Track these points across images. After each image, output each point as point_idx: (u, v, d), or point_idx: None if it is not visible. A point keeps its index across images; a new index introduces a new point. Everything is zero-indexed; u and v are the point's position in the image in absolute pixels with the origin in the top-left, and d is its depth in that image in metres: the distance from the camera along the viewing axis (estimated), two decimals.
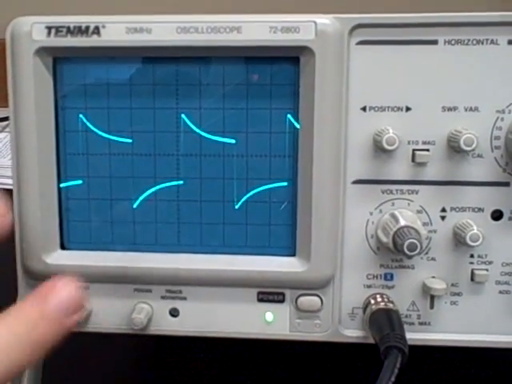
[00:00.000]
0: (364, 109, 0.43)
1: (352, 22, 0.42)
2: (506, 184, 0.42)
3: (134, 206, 0.46)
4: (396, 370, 0.37)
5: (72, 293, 0.33)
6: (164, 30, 0.42)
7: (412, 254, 0.40)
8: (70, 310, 0.33)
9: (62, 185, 0.46)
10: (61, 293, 0.33)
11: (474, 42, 0.41)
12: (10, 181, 1.03)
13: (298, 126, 0.43)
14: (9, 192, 0.96)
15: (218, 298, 0.45)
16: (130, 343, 0.56)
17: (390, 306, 0.43)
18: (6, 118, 1.31)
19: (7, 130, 1.27)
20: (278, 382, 0.52)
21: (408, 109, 0.42)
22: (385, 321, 0.41)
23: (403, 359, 0.38)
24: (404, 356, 0.38)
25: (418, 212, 0.43)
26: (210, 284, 0.45)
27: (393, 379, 0.36)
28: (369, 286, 0.44)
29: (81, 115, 0.45)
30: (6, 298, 0.50)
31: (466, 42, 0.41)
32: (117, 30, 0.42)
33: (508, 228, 0.43)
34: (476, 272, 0.43)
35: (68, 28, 0.43)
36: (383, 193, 0.43)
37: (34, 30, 0.43)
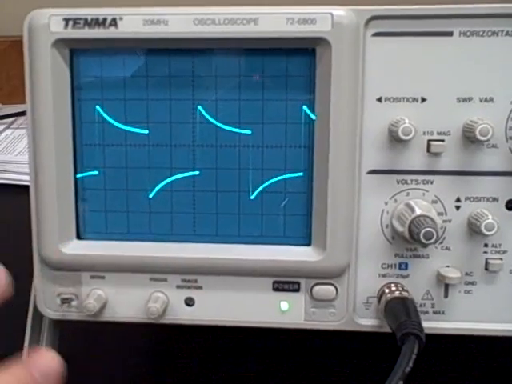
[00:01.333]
0: (380, 99, 0.43)
1: (368, 14, 0.42)
2: None
3: (150, 196, 0.46)
4: (414, 356, 0.37)
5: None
6: (181, 21, 0.43)
7: (428, 242, 0.40)
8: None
9: (78, 175, 0.46)
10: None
11: (489, 33, 0.42)
12: (17, 176, 1.04)
13: (313, 116, 0.44)
14: (15, 187, 0.96)
15: (234, 287, 0.46)
16: (144, 332, 0.57)
17: (405, 294, 0.43)
18: (11, 115, 1.31)
19: (13, 126, 1.28)
20: (294, 370, 0.53)
21: (423, 100, 0.43)
22: (401, 309, 0.42)
23: (420, 346, 0.38)
24: (421, 342, 0.38)
25: (433, 202, 0.44)
26: (226, 273, 0.45)
27: (410, 365, 0.37)
28: (383, 275, 0.45)
29: (97, 106, 0.46)
30: (21, 288, 0.51)
31: (480, 33, 0.42)
32: (134, 22, 0.43)
33: None
34: (490, 261, 0.44)
35: (85, 20, 0.43)
36: (398, 183, 0.44)
37: (51, 22, 0.43)
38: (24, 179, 0.97)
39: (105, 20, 0.43)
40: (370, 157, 0.44)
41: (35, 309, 0.48)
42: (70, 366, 0.53)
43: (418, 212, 0.41)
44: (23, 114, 1.30)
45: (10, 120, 1.31)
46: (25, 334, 0.49)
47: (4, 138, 1.21)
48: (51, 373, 0.34)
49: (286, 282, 0.45)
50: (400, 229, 0.42)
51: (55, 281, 0.47)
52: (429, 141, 0.43)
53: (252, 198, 0.45)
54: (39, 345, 0.50)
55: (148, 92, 0.45)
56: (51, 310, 0.47)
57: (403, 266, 0.45)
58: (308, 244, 0.45)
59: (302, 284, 0.45)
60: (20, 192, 0.92)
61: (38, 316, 0.49)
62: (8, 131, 1.25)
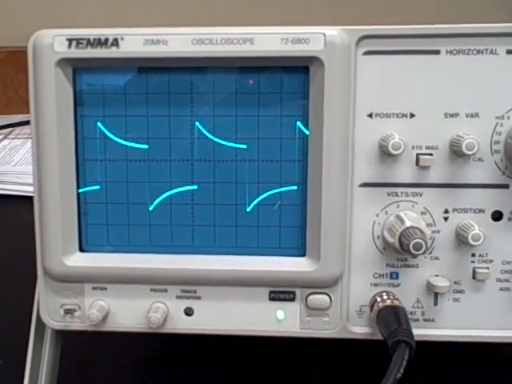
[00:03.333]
0: (370, 115, 0.45)
1: (359, 34, 0.44)
2: (506, 186, 0.45)
3: (150, 209, 0.48)
4: (404, 363, 0.39)
5: None
6: (180, 41, 0.44)
7: (418, 253, 0.42)
8: None
9: (80, 189, 0.48)
10: None
11: (475, 51, 0.44)
12: (16, 187, 1.05)
13: (307, 132, 0.46)
14: (14, 198, 0.97)
15: (231, 297, 0.47)
16: (144, 342, 0.58)
17: (396, 303, 0.45)
18: (8, 126, 1.33)
19: (10, 136, 1.29)
20: (287, 376, 0.54)
21: (412, 115, 0.44)
22: (392, 317, 0.43)
23: (411, 352, 0.40)
24: (411, 349, 0.40)
25: (422, 213, 0.45)
26: (224, 284, 0.47)
27: (401, 371, 0.38)
28: (375, 285, 0.46)
29: (99, 123, 0.47)
30: (23, 299, 0.52)
31: (466, 51, 0.44)
32: (135, 42, 0.44)
33: (508, 228, 0.45)
34: (477, 270, 0.45)
35: (88, 40, 0.45)
36: (389, 195, 0.45)
37: (55, 42, 0.45)
38: (23, 190, 0.98)
39: (107, 40, 0.45)
40: (361, 170, 0.45)
41: (38, 319, 0.50)
42: (72, 376, 0.54)
43: (408, 224, 0.43)
44: (20, 124, 1.32)
45: (7, 130, 1.32)
46: (28, 345, 0.50)
47: (1, 148, 1.22)
48: None
49: (281, 291, 0.47)
50: (391, 240, 0.44)
51: (58, 292, 0.48)
52: (417, 155, 0.45)
53: (248, 210, 0.47)
54: (42, 355, 0.51)
55: (148, 109, 0.47)
56: (54, 320, 0.48)
57: (394, 276, 0.46)
58: (303, 255, 0.47)
59: (297, 293, 0.47)
60: (19, 202, 0.93)
61: (41, 326, 0.50)
62: (5, 141, 1.26)
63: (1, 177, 1.07)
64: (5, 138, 1.28)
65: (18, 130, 1.31)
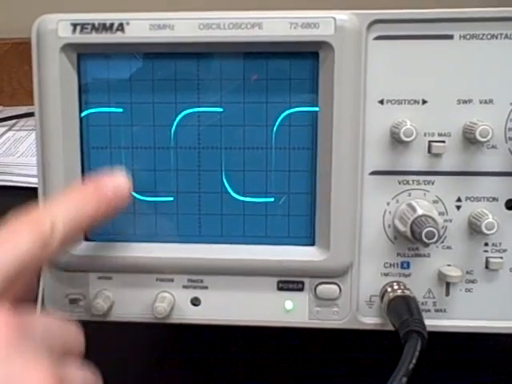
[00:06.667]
0: (381, 102, 0.44)
1: (370, 18, 0.43)
2: None
3: (156, 198, 0.47)
4: (417, 353, 0.38)
5: None
6: (186, 26, 0.43)
7: (430, 241, 0.41)
8: None
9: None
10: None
11: (489, 36, 0.43)
12: (21, 178, 1.04)
13: (317, 119, 0.45)
14: (19, 189, 0.97)
15: (239, 287, 0.46)
16: (148, 332, 0.57)
17: (407, 293, 0.44)
18: (13, 117, 1.32)
19: (15, 128, 1.29)
20: (298, 366, 0.53)
21: (424, 102, 0.43)
22: (403, 307, 0.42)
23: (423, 343, 0.39)
24: (424, 340, 0.39)
25: (434, 202, 0.44)
26: (231, 273, 0.46)
27: (414, 362, 0.37)
28: (386, 274, 0.46)
29: (103, 109, 0.46)
30: None
31: (480, 36, 0.43)
32: (140, 27, 0.44)
33: None
34: (490, 260, 0.45)
35: (93, 25, 0.44)
36: (400, 183, 0.45)
37: (59, 27, 0.44)
38: (28, 181, 0.97)
39: (112, 25, 0.44)
40: (372, 158, 0.44)
41: (43, 309, 0.49)
42: None
43: (420, 212, 0.42)
44: (25, 115, 1.31)
45: (11, 122, 1.32)
46: None
47: (6, 140, 1.21)
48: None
49: (290, 281, 0.46)
50: (402, 228, 0.43)
51: (63, 282, 0.47)
52: (430, 142, 0.44)
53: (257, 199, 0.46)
54: None
55: (154, 95, 0.46)
56: (59, 310, 0.48)
57: (405, 265, 0.45)
58: (312, 244, 0.46)
59: (306, 283, 0.46)
60: (23, 194, 0.93)
61: None
62: (10, 133, 1.26)
63: (5, 168, 1.06)
64: (9, 129, 1.27)
65: (22, 121, 1.31)
